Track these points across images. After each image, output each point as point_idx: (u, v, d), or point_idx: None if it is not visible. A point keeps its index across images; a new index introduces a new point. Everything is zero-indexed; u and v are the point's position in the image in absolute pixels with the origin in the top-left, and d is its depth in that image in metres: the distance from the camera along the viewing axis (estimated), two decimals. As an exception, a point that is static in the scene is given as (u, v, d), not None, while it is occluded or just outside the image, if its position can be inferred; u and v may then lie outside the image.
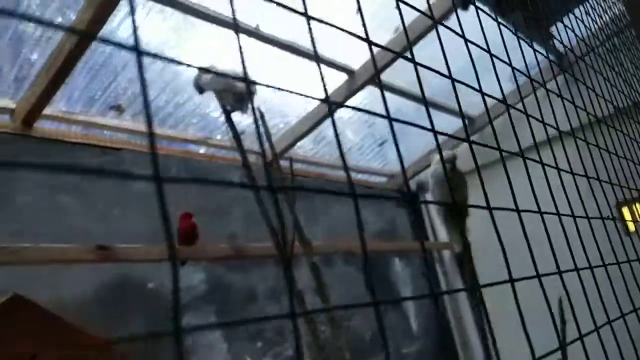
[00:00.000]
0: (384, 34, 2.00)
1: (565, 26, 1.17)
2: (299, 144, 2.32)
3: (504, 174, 1.10)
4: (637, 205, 2.34)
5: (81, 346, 1.31)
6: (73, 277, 1.47)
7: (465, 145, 2.34)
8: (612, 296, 1.19)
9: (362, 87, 2.04)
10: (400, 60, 2.10)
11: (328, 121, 2.30)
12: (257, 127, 1.49)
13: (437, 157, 1.29)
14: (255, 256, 1.57)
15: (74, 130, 1.62)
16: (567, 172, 1.21)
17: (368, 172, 2.80)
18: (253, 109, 1.30)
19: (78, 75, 1.60)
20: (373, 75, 1.97)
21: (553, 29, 1.47)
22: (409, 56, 0.50)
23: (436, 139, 0.50)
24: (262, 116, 1.46)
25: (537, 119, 1.07)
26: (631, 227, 2.32)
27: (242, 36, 1.76)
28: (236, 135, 1.33)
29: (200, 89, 1.40)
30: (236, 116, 1.56)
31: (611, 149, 1.51)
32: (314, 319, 1.29)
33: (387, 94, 2.31)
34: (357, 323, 2.29)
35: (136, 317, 1.57)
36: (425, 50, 2.20)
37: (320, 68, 0.40)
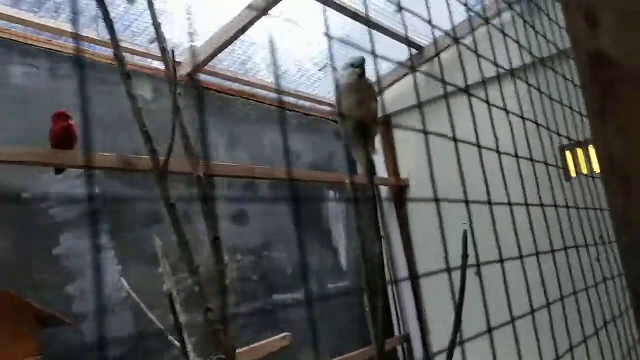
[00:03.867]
0: None
1: None
2: (224, 59, 2.10)
3: (449, 110, 0.93)
4: (579, 150, 2.23)
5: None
6: None
7: (411, 78, 2.13)
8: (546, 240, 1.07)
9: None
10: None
11: (259, 33, 2.07)
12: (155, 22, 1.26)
13: (344, 63, 1.11)
14: (145, 170, 1.39)
15: None
16: (514, 113, 1.06)
17: (309, 99, 2.60)
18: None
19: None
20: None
21: None
22: None
23: None
24: (150, 5, 1.24)
25: (484, 57, 0.91)
26: (572, 172, 2.22)
27: None
28: (110, 24, 1.11)
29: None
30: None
31: (562, 92, 1.36)
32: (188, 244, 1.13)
33: (332, 13, 2.09)
34: (278, 255, 2.17)
35: (6, 231, 1.38)
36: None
37: None
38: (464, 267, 1.04)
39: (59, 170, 1.39)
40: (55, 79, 1.58)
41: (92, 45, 1.77)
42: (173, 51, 1.16)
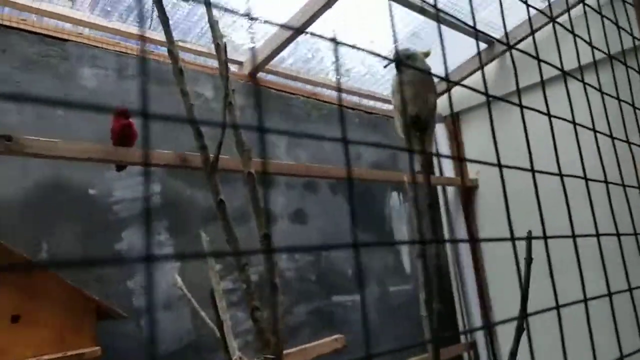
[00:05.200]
0: None
1: None
2: (286, 57, 2.09)
3: (525, 105, 0.87)
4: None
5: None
6: (-2, 174, 1.34)
7: (487, 72, 2.03)
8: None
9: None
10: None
11: (322, 31, 2.04)
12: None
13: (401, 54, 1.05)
14: (199, 167, 1.40)
15: (7, 13, 1.44)
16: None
17: (373, 98, 2.54)
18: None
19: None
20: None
21: None
22: None
23: None
24: (207, 2, 1.24)
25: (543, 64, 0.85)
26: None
27: None
28: (164, 20, 1.12)
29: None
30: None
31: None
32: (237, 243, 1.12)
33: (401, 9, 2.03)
34: (338, 255, 2.13)
35: (72, 226, 1.44)
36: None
37: None
38: (527, 272, 0.96)
39: (120, 167, 1.43)
40: (123, 79, 1.64)
41: (157, 46, 1.82)
42: (225, 46, 1.15)
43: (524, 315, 0.94)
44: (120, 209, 1.54)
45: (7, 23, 1.41)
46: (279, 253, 1.89)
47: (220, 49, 1.17)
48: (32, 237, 1.36)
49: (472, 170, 2.57)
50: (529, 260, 0.96)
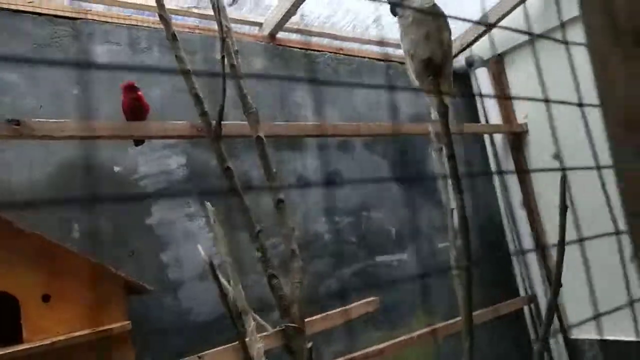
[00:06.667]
0: None
1: None
2: (307, 13, 1.99)
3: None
4: None
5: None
6: (21, 158, 1.36)
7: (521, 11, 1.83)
8: None
9: None
10: None
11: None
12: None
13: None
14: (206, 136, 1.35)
15: (14, -3, 1.43)
16: None
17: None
18: None
19: None
20: None
21: None
22: None
23: None
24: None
25: None
26: None
27: None
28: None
29: None
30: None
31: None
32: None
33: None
34: (379, 215, 2.06)
35: (101, 204, 1.45)
36: None
37: None
38: (562, 219, 0.86)
39: (138, 141, 1.41)
40: (136, 53, 1.61)
41: (174, 15, 1.77)
42: (219, 5, 1.08)
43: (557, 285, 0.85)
44: (146, 184, 1.54)
45: (14, 7, 1.40)
46: (313, 215, 1.85)
47: (216, 9, 1.10)
48: (62, 219, 1.38)
49: (520, 115, 2.39)
50: (563, 208, 0.86)
